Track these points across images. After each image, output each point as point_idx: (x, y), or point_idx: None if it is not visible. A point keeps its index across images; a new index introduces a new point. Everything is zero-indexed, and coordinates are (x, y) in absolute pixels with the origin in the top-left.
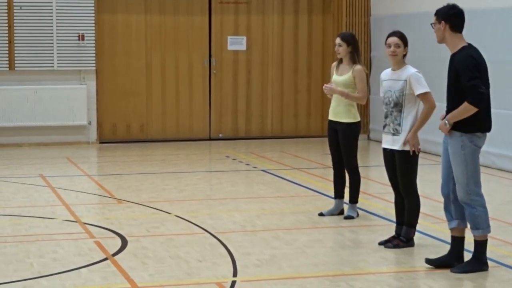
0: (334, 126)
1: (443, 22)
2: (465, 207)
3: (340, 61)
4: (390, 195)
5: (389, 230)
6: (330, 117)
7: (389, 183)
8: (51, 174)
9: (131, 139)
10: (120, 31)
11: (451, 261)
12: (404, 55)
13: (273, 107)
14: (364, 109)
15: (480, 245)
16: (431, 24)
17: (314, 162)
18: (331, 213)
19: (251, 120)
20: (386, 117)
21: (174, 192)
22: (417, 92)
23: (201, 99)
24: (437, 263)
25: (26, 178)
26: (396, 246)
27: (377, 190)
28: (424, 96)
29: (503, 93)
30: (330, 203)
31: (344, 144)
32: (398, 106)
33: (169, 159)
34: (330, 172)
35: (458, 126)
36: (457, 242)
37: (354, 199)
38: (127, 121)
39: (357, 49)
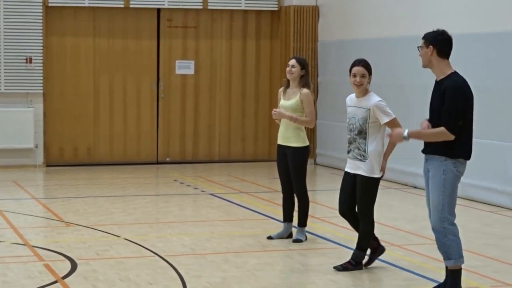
0: (283, 151)
1: (431, 46)
2: (435, 235)
3: (287, 86)
4: (338, 219)
5: (338, 253)
6: (279, 142)
7: (336, 207)
8: None
9: (78, 163)
10: (68, 54)
11: None
12: (368, 83)
13: (221, 131)
14: (311, 134)
15: (453, 275)
16: (418, 47)
17: (262, 186)
18: (280, 237)
19: (199, 144)
20: (350, 143)
21: (122, 215)
22: (383, 122)
23: (149, 122)
24: None
25: None
26: (345, 269)
27: (325, 214)
28: (391, 123)
29: None
30: (278, 227)
31: (293, 168)
32: (362, 133)
33: (116, 182)
34: (278, 196)
35: (442, 151)
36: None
37: (303, 223)
38: (74, 144)
39: (308, 74)
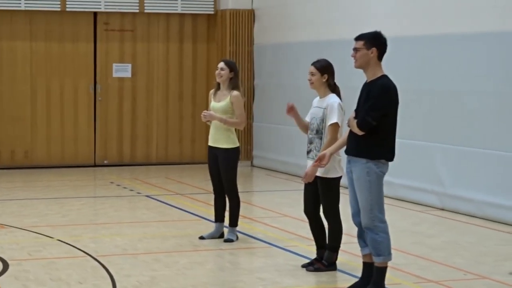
0: (214, 152)
1: (374, 49)
2: (367, 233)
3: (218, 88)
4: (270, 219)
5: (267, 252)
6: (210, 143)
7: (269, 208)
8: None
9: (15, 166)
10: (5, 57)
11: (364, 286)
12: (328, 83)
13: (158, 133)
14: (247, 136)
15: (380, 272)
16: (354, 48)
17: (198, 188)
18: (212, 236)
19: (136, 146)
20: (310, 143)
21: (57, 217)
22: (328, 122)
23: (86, 125)
24: None
25: None
26: (317, 270)
27: (258, 215)
28: (330, 127)
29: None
30: (211, 227)
31: (224, 169)
32: (318, 133)
33: (53, 185)
34: (213, 197)
35: (364, 153)
36: (369, 267)
37: (233, 223)
38: (11, 147)
39: (237, 76)
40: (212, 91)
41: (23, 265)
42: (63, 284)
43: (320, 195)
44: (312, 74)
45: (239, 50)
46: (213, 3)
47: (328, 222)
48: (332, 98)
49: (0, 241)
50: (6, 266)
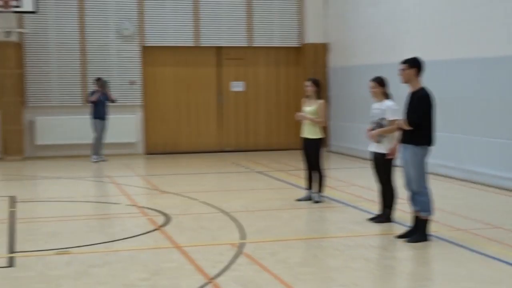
0: (306, 141)
1: (415, 68)
2: (416, 196)
3: (307, 97)
4: (344, 187)
5: (344, 210)
6: (302, 135)
7: (343, 179)
8: (115, 175)
9: (167, 152)
10: (158, 78)
11: (414, 233)
12: (384, 92)
13: (263, 128)
14: (326, 131)
15: (425, 223)
16: (401, 69)
17: (292, 166)
18: (305, 199)
19: (249, 137)
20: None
21: (198, 186)
22: (388, 118)
23: (214, 124)
24: (404, 236)
25: (98, 178)
26: (379, 222)
27: (336, 184)
28: (390, 121)
29: None
30: (304, 192)
31: (312, 153)
32: (379, 125)
33: (193, 164)
34: (304, 172)
35: (413, 141)
36: (417, 220)
37: (320, 189)
38: (165, 139)
39: (320, 89)
40: (304, 99)
41: (179, 218)
42: (208, 230)
43: (380, 167)
44: (372, 87)
45: (317, 71)
46: (299, 39)
47: (384, 187)
48: (388, 102)
49: (162, 202)
50: (168, 219)
